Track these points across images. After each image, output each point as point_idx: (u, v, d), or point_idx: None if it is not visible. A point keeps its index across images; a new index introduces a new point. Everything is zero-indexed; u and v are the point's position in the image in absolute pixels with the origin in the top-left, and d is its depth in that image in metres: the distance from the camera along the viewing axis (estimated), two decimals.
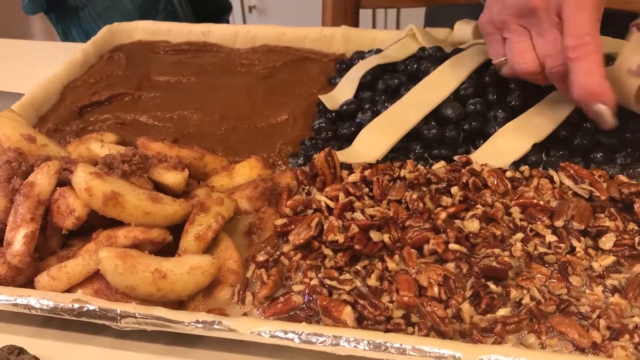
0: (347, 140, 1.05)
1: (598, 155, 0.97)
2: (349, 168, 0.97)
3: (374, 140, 1.02)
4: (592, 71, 0.86)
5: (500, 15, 0.96)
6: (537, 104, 1.05)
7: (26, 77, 1.35)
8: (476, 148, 1.02)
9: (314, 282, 0.79)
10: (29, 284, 0.81)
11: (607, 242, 0.82)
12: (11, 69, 1.47)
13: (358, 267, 0.81)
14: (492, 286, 0.76)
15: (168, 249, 0.83)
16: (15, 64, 1.51)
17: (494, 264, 0.79)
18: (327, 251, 0.82)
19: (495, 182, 0.91)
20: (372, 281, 0.78)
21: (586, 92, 0.87)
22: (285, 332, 0.71)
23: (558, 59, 0.89)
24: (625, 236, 0.82)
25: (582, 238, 0.83)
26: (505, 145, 1.00)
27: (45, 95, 1.22)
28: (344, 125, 1.08)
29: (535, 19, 0.92)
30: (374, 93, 1.14)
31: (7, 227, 0.81)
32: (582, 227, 0.83)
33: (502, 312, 0.75)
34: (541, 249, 0.82)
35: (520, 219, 0.87)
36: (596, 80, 0.86)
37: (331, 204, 0.88)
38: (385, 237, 0.82)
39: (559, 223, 0.84)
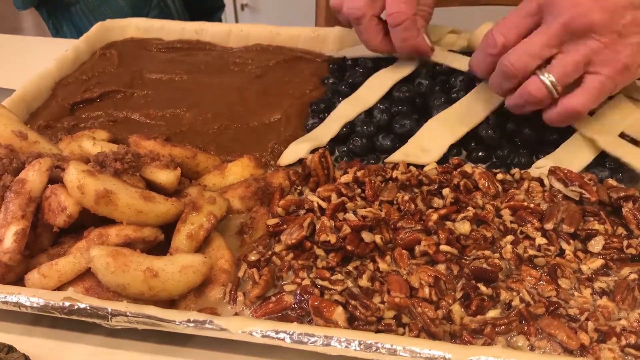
0: (339, 141, 1.05)
1: None
2: (343, 169, 0.98)
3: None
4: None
5: None
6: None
7: (17, 73, 1.34)
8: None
9: (306, 282, 0.79)
10: (19, 281, 0.81)
11: (596, 245, 0.83)
12: (1, 65, 1.46)
13: (350, 267, 0.81)
14: (483, 288, 0.77)
15: (160, 248, 0.83)
16: (5, 59, 1.50)
17: (485, 265, 0.80)
18: (319, 251, 0.82)
19: (486, 185, 0.92)
20: (364, 282, 0.78)
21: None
22: (277, 332, 0.71)
23: None
24: (614, 239, 0.83)
25: (571, 241, 0.83)
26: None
27: (37, 91, 1.21)
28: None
29: None
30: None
31: None
32: (572, 230, 0.84)
33: (492, 313, 0.75)
34: (531, 252, 0.82)
35: (511, 222, 0.87)
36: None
37: (323, 204, 0.88)
38: (377, 238, 0.83)
39: (548, 226, 0.85)
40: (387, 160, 0.99)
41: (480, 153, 1.02)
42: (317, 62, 1.31)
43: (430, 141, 1.02)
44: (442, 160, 1.00)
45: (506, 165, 1.00)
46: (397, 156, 1.00)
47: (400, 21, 1.04)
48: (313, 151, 0.99)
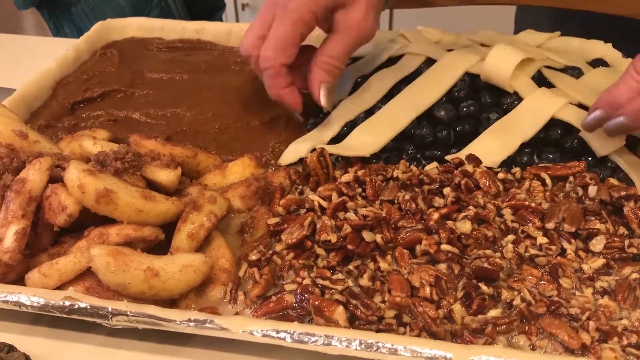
0: (340, 140, 1.05)
1: (589, 158, 0.98)
2: (343, 168, 0.98)
3: (367, 139, 1.02)
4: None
5: None
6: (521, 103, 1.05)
7: (17, 73, 1.34)
8: None
9: (307, 281, 0.79)
10: (19, 281, 0.81)
11: (597, 244, 0.83)
12: (2, 64, 1.46)
13: (350, 267, 0.81)
14: (484, 287, 0.77)
15: (160, 247, 0.83)
16: (6, 59, 1.50)
17: (486, 265, 0.80)
18: (320, 251, 0.82)
19: (487, 184, 0.91)
20: (365, 281, 0.78)
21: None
22: (277, 332, 0.71)
23: None
24: (616, 239, 0.83)
25: (572, 240, 0.83)
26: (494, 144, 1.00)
27: (37, 91, 1.21)
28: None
29: None
30: None
31: None
32: (573, 229, 0.84)
33: (493, 313, 0.75)
34: (532, 251, 0.82)
35: (512, 221, 0.87)
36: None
37: (324, 203, 0.88)
38: (378, 238, 0.83)
39: (550, 225, 0.85)
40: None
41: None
42: None
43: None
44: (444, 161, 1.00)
45: (508, 165, 0.99)
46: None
47: (264, 67, 0.97)
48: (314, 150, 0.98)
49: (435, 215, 0.85)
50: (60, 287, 0.79)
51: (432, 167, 0.96)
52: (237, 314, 0.78)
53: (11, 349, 0.73)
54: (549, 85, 1.09)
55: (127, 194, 0.80)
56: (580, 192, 0.91)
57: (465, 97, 1.08)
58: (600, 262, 0.81)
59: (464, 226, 0.83)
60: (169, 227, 0.83)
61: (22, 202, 0.80)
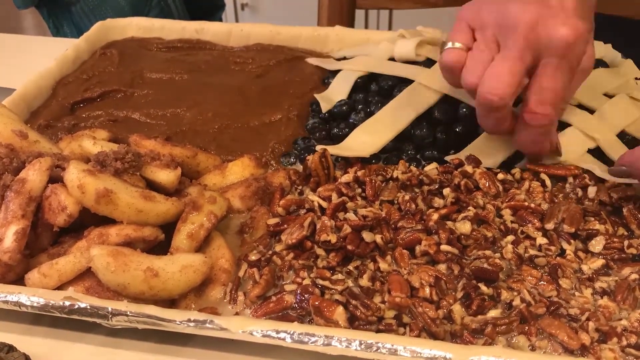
0: (340, 141, 1.05)
1: None
2: (343, 168, 0.98)
3: (367, 139, 1.02)
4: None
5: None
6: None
7: (17, 72, 1.34)
8: None
9: (306, 281, 0.79)
10: (19, 281, 0.81)
11: (596, 245, 0.83)
12: (2, 64, 1.46)
13: (350, 267, 0.81)
14: (483, 288, 0.77)
15: (160, 248, 0.83)
16: (5, 58, 1.50)
17: (485, 265, 0.80)
18: (320, 251, 0.82)
19: (487, 184, 0.91)
20: (364, 281, 0.78)
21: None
22: (277, 332, 0.71)
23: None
24: (615, 239, 0.83)
25: (572, 241, 0.83)
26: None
27: (37, 90, 1.21)
28: (338, 125, 1.08)
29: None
30: (367, 94, 1.15)
31: None
32: (573, 230, 0.84)
33: (493, 313, 0.75)
34: (532, 252, 0.82)
35: (512, 221, 0.87)
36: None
37: (324, 204, 0.88)
38: (378, 238, 0.83)
39: (549, 226, 0.85)
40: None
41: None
42: None
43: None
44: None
45: (507, 165, 0.99)
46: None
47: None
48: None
49: (435, 216, 0.85)
50: (60, 287, 0.79)
51: (431, 168, 0.96)
52: (237, 314, 0.78)
53: (11, 349, 0.73)
54: None
55: (127, 194, 0.80)
56: (580, 192, 0.91)
57: None
58: (599, 262, 0.81)
59: (464, 227, 0.83)
60: (169, 227, 0.84)
61: (22, 202, 0.80)
